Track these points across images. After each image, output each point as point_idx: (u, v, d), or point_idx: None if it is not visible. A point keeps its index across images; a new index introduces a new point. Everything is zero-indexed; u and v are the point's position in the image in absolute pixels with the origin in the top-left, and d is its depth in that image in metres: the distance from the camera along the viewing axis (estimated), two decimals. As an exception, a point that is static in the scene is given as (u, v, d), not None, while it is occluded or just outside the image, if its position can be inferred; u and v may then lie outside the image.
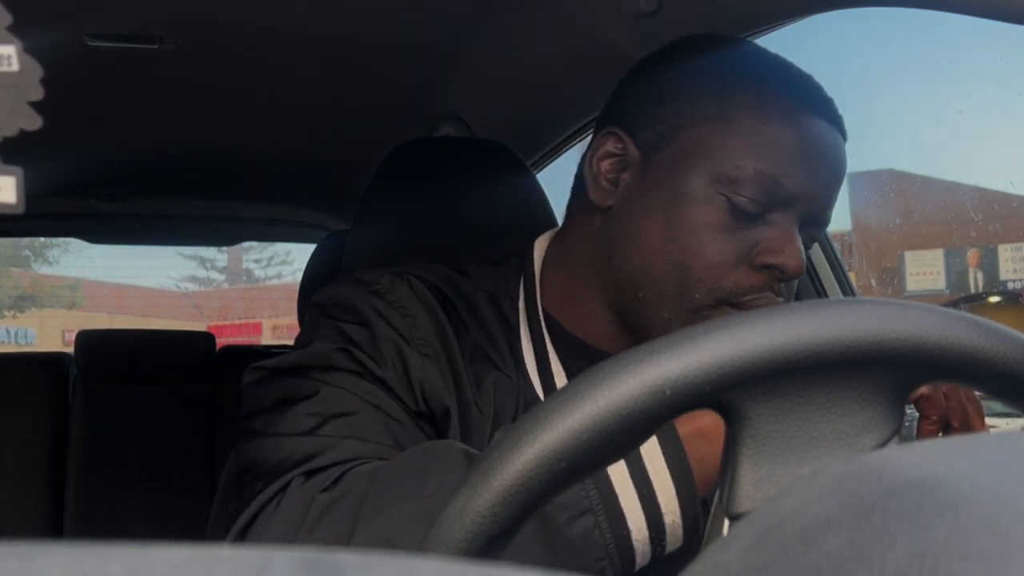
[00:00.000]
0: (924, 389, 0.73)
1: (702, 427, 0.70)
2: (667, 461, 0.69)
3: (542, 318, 0.92)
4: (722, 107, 0.86)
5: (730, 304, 0.84)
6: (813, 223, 0.87)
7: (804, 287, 1.42)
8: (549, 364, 0.89)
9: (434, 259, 1.01)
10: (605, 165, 0.90)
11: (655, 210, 0.85)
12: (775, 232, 0.84)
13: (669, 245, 0.84)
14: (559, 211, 1.12)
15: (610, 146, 0.90)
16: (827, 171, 0.86)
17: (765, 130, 0.85)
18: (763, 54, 0.92)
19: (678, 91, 0.88)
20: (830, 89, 0.92)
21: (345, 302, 0.88)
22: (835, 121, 0.88)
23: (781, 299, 0.84)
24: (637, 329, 0.88)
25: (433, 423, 0.84)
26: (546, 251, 0.96)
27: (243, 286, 22.62)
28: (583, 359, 0.90)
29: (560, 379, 0.89)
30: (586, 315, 0.91)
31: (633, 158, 0.89)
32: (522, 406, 0.87)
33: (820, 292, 1.42)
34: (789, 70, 0.90)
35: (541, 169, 1.88)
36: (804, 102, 0.87)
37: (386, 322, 0.85)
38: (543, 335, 0.91)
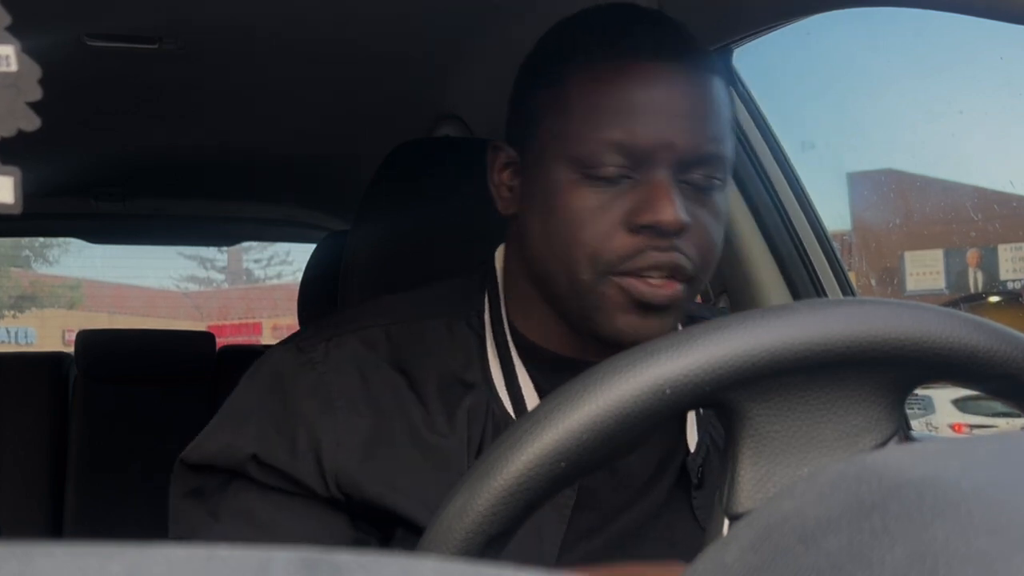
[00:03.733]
0: None
1: None
2: None
3: (507, 330, 0.90)
4: (557, 88, 0.85)
5: (616, 274, 0.81)
6: (697, 164, 0.82)
7: (804, 287, 1.42)
8: (516, 378, 0.88)
9: (434, 259, 1.01)
10: (504, 176, 0.90)
11: (535, 208, 0.86)
12: (644, 190, 0.80)
13: (552, 239, 0.84)
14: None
15: (502, 157, 0.90)
16: (680, 113, 0.81)
17: (598, 97, 0.83)
18: (597, 14, 0.88)
19: (527, 84, 0.89)
20: (830, 89, 0.91)
21: (275, 377, 0.87)
22: (679, 55, 0.83)
23: (671, 255, 0.80)
24: (576, 328, 0.87)
25: (348, 503, 0.83)
26: (504, 259, 0.95)
27: (243, 286, 22.61)
28: (550, 370, 0.88)
29: (528, 392, 0.87)
30: (541, 322, 0.90)
31: (516, 163, 0.89)
32: (490, 425, 0.85)
33: (820, 292, 1.42)
34: (618, 23, 0.86)
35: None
36: (632, 53, 0.83)
37: (308, 405, 0.84)
38: (509, 349, 0.89)
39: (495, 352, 0.89)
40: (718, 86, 0.84)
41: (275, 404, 0.85)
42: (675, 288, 0.81)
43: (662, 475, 0.88)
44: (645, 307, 0.81)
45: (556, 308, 0.87)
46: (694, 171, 0.82)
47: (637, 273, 0.80)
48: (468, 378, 0.87)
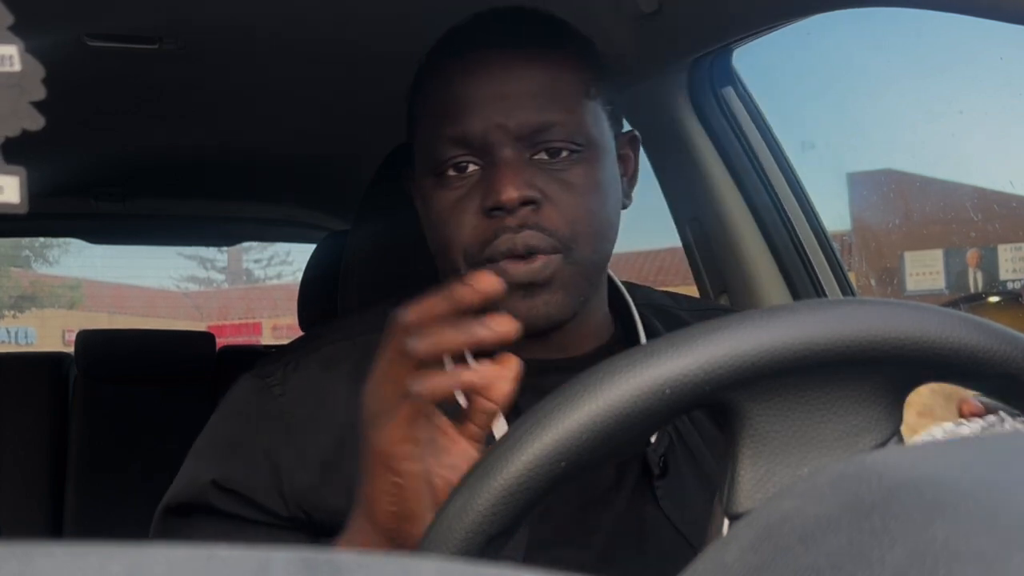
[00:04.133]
0: None
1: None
2: None
3: None
4: (414, 96, 0.89)
5: (480, 262, 0.82)
6: (539, 138, 0.83)
7: (804, 287, 1.42)
8: None
9: (433, 259, 1.01)
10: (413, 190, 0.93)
11: (420, 213, 0.90)
12: (488, 175, 0.82)
13: (433, 244, 0.87)
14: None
15: (406, 173, 0.94)
16: (506, 94, 0.83)
17: (435, 98, 0.86)
18: (468, 19, 0.91)
19: (411, 94, 0.92)
20: (830, 89, 0.91)
21: (235, 405, 0.88)
22: (509, 39, 0.86)
23: (523, 235, 0.81)
24: None
25: (310, 521, 0.83)
26: None
27: (243, 286, 22.61)
28: None
29: None
30: None
31: (411, 176, 0.93)
32: None
33: (820, 292, 1.42)
34: (470, 21, 0.90)
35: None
36: (464, 46, 0.87)
37: (265, 429, 0.85)
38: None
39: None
40: (561, 61, 0.85)
41: (233, 431, 0.87)
42: (540, 262, 0.81)
43: (624, 466, 0.88)
44: (521, 287, 0.82)
45: None
46: (540, 145, 0.83)
47: (501, 258, 0.82)
48: None
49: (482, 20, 0.89)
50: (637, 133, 0.95)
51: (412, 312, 0.64)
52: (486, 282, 0.64)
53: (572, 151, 0.83)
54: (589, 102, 0.86)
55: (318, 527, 0.83)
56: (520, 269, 0.81)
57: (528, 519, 0.81)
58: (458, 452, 0.68)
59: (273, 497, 0.83)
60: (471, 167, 0.84)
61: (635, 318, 0.94)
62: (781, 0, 1.17)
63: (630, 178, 0.94)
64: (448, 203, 0.84)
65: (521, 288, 0.82)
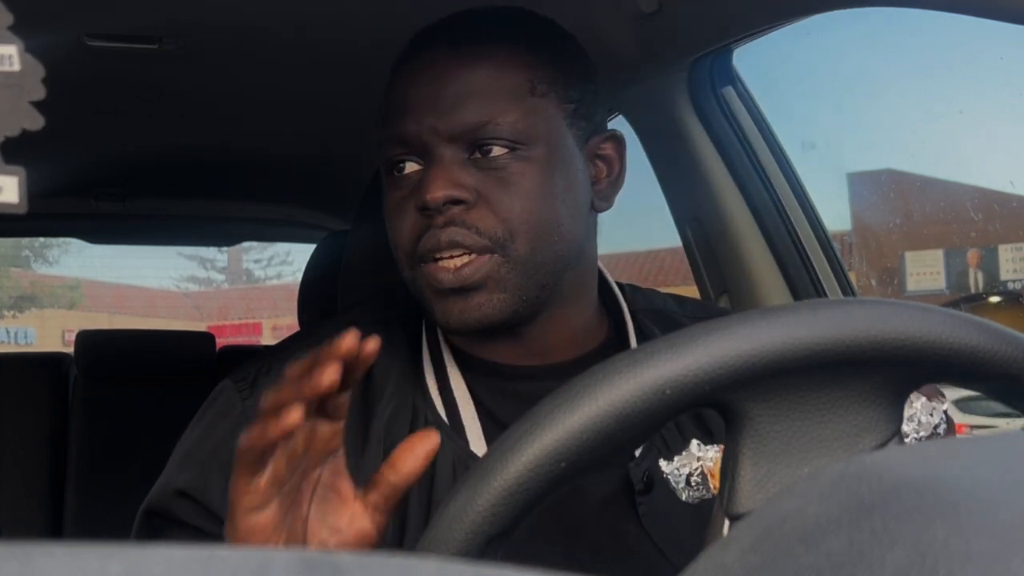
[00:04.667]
0: None
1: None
2: None
3: (440, 335, 0.90)
4: (381, 105, 0.90)
5: (422, 263, 0.83)
6: (475, 137, 0.83)
7: (804, 287, 1.42)
8: (449, 382, 0.88)
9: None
10: None
11: None
12: (422, 175, 0.83)
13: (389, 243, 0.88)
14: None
15: None
16: (440, 94, 0.83)
17: (386, 97, 0.88)
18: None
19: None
20: (830, 89, 0.91)
21: (209, 407, 0.88)
22: (449, 39, 0.86)
23: (448, 231, 0.81)
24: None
25: None
26: None
27: (243, 286, 22.61)
28: (483, 375, 0.89)
29: (460, 395, 0.87)
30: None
31: None
32: (421, 429, 0.84)
33: (820, 292, 1.42)
34: (427, 26, 0.90)
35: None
36: (413, 48, 0.88)
37: (231, 434, 0.80)
38: (441, 352, 0.89)
39: (428, 355, 0.90)
40: (502, 60, 0.85)
41: (198, 438, 0.86)
42: (470, 266, 0.81)
43: (605, 480, 0.87)
44: (455, 291, 0.82)
45: None
46: (475, 144, 0.83)
47: (430, 257, 0.82)
48: (396, 385, 0.88)
49: (441, 21, 0.90)
50: (619, 133, 0.92)
51: (266, 400, 0.61)
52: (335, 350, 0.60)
53: (512, 149, 0.83)
54: (535, 99, 0.85)
55: None
56: (448, 276, 0.81)
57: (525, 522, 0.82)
58: (345, 514, 0.65)
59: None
60: (414, 167, 0.84)
61: (627, 323, 0.92)
62: (781, 0, 1.17)
63: (613, 180, 0.91)
64: (393, 202, 0.86)
65: (452, 291, 0.82)
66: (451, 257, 0.82)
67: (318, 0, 1.34)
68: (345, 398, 0.64)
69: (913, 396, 0.63)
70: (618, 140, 0.92)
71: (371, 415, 0.86)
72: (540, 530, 0.84)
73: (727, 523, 0.51)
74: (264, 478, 0.62)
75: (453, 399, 0.87)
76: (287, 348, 0.92)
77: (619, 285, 0.97)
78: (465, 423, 0.86)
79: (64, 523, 2.37)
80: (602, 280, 0.94)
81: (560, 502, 0.85)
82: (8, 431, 2.37)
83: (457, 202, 0.81)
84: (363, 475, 0.82)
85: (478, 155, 0.83)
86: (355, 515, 0.65)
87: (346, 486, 0.66)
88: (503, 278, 0.82)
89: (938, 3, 0.97)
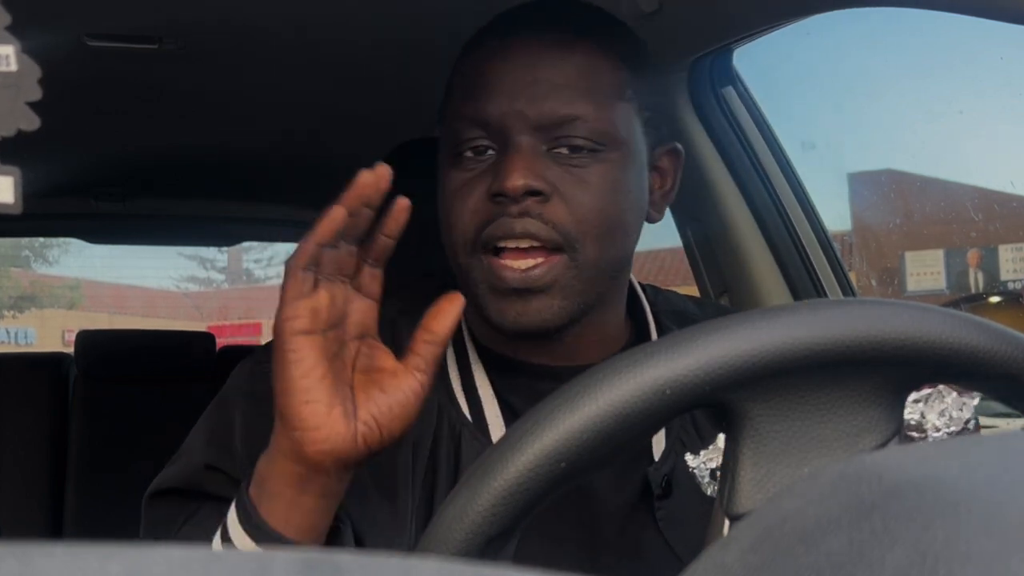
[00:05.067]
0: None
1: (258, 472, 0.70)
2: (247, 531, 0.69)
3: (465, 332, 0.89)
4: (451, 75, 0.88)
5: (483, 252, 0.81)
6: (558, 130, 0.81)
7: (804, 287, 1.42)
8: (473, 380, 0.87)
9: (433, 259, 1.01)
10: None
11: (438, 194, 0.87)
12: (500, 160, 0.81)
13: (442, 227, 0.85)
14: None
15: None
16: (531, 81, 0.82)
17: (461, 77, 0.85)
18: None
19: (450, 75, 0.90)
20: (830, 89, 0.90)
21: (229, 387, 0.88)
22: (544, 28, 0.84)
23: (522, 220, 0.79)
24: (487, 322, 0.86)
25: None
26: None
27: (243, 286, 22.60)
28: (508, 373, 0.88)
29: (485, 393, 0.86)
30: (480, 322, 0.88)
31: None
32: (445, 427, 0.85)
33: (820, 292, 1.42)
34: (514, 9, 0.88)
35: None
36: (498, 31, 0.86)
37: (255, 410, 0.83)
38: (465, 349, 0.88)
39: (453, 354, 0.89)
40: (599, 57, 0.83)
41: (224, 414, 0.86)
42: (541, 268, 0.80)
43: (624, 483, 0.86)
44: (517, 291, 0.80)
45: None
46: (559, 138, 0.81)
47: (495, 245, 0.80)
48: None
49: (528, 7, 0.87)
50: (679, 147, 0.91)
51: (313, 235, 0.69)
52: (369, 177, 0.68)
53: (593, 149, 0.81)
54: (621, 103, 0.84)
55: None
56: (514, 276, 0.79)
57: (523, 532, 0.81)
58: (390, 379, 0.68)
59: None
60: (488, 151, 0.82)
61: (650, 326, 0.92)
62: (781, 0, 1.17)
63: (665, 192, 0.90)
64: (457, 184, 0.83)
65: (516, 291, 0.80)
66: (518, 250, 0.80)
67: (318, 0, 1.34)
68: (378, 272, 0.71)
69: (944, 390, 0.64)
70: (677, 154, 0.91)
71: None
72: (559, 534, 0.84)
73: (727, 523, 0.51)
74: (311, 306, 0.66)
75: (477, 397, 0.86)
76: None
77: (641, 286, 0.96)
78: (489, 422, 0.85)
79: (64, 523, 2.37)
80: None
81: (579, 506, 0.85)
82: (8, 431, 2.37)
83: (535, 193, 0.79)
84: (387, 475, 0.82)
85: (557, 150, 0.81)
86: (399, 378, 0.69)
87: (385, 358, 0.70)
88: (567, 283, 0.81)
89: (938, 3, 0.97)
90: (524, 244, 0.80)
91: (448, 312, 0.69)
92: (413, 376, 0.68)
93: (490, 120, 0.81)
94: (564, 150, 0.81)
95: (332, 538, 0.73)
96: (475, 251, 0.81)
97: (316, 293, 0.67)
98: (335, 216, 0.68)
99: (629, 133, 0.84)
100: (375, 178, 0.69)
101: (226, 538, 0.70)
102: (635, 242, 0.88)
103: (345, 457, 0.67)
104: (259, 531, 0.68)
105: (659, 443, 0.87)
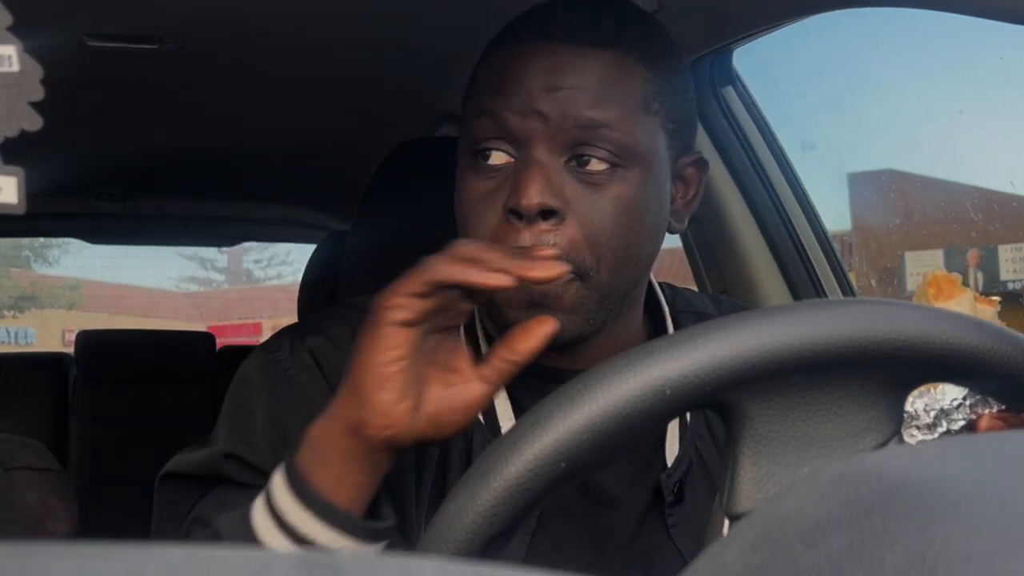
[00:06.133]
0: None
1: (309, 438, 0.70)
2: (295, 496, 0.69)
3: (480, 333, 0.88)
4: (474, 72, 0.86)
5: None
6: (578, 141, 0.78)
7: (804, 287, 1.42)
8: None
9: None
10: None
11: (455, 191, 0.85)
12: (515, 173, 0.78)
13: (459, 227, 0.83)
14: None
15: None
16: (555, 86, 0.78)
17: (484, 78, 0.83)
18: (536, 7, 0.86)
19: (473, 72, 0.88)
20: (830, 89, 0.90)
21: (243, 380, 0.87)
22: (574, 34, 0.80)
23: (532, 243, 0.76)
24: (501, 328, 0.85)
25: None
26: None
27: (243, 286, 22.60)
28: (523, 375, 0.87)
29: (499, 396, 0.85)
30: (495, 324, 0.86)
31: None
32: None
33: (820, 292, 1.42)
34: (537, 10, 0.85)
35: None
36: (524, 34, 0.82)
37: (273, 400, 0.84)
38: (480, 351, 0.87)
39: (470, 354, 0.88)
40: (628, 67, 0.80)
41: (243, 403, 0.86)
42: (553, 287, 0.77)
43: (636, 490, 0.86)
44: (529, 306, 0.78)
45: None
46: (579, 146, 0.78)
47: None
48: None
49: (559, 7, 0.84)
50: (704, 157, 0.89)
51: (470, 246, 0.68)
52: (549, 268, 0.67)
53: (613, 164, 0.78)
54: (647, 116, 0.81)
55: None
56: (521, 294, 0.77)
57: (534, 535, 0.81)
58: (462, 390, 0.69)
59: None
60: (504, 157, 0.79)
61: (668, 327, 0.90)
62: (781, 0, 1.17)
63: (688, 202, 0.88)
64: (476, 194, 0.80)
65: (527, 306, 0.78)
66: None
67: (318, 0, 1.34)
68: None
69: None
70: (702, 164, 0.88)
71: None
72: (570, 538, 0.84)
73: (727, 523, 0.51)
74: (421, 307, 0.67)
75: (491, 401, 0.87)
76: (321, 321, 0.90)
77: (659, 285, 0.95)
78: (502, 424, 0.85)
79: (64, 523, 2.37)
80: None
81: (591, 511, 0.85)
82: (8, 431, 2.37)
83: (550, 212, 0.77)
84: (394, 475, 0.82)
85: (575, 163, 0.78)
86: (468, 384, 0.69)
87: (461, 359, 0.70)
88: (578, 304, 0.79)
89: (938, 3, 0.97)
90: None
91: (535, 335, 0.68)
92: (480, 385, 0.69)
93: (509, 123, 0.79)
94: (578, 164, 0.79)
95: (373, 510, 0.73)
96: None
97: (427, 295, 0.67)
98: (499, 281, 0.66)
99: (651, 149, 0.81)
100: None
101: (271, 505, 0.70)
102: (654, 257, 0.86)
103: (400, 444, 0.68)
104: (309, 498, 0.68)
105: (672, 449, 0.86)
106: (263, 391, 0.85)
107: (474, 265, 0.66)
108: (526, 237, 0.76)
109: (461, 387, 0.69)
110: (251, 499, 0.77)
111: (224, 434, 0.85)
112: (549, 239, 0.77)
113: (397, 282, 0.68)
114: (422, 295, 0.67)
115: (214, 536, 0.74)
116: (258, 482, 0.81)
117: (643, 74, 0.81)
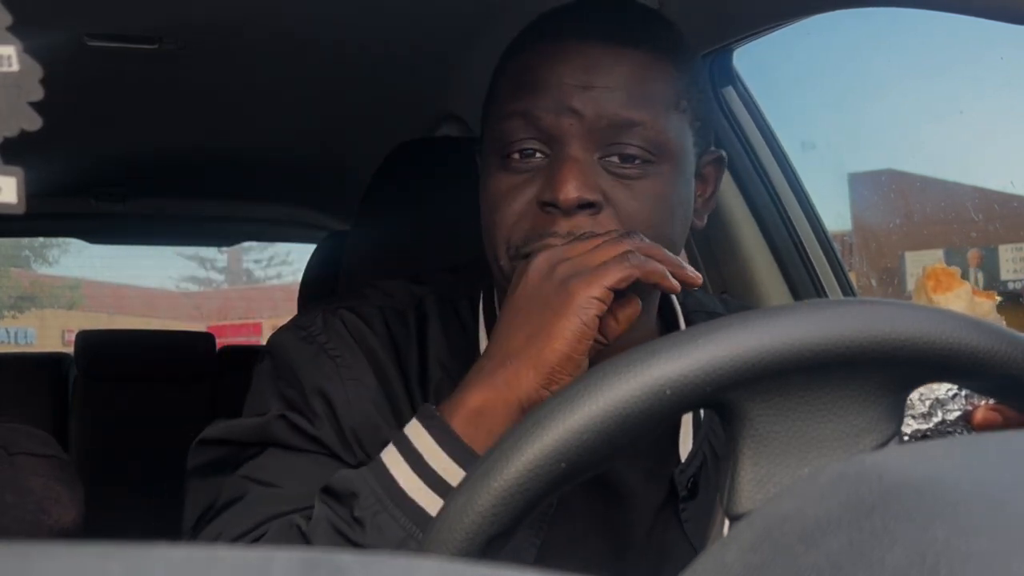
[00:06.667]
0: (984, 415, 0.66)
1: (471, 408, 0.72)
2: (443, 449, 0.71)
3: (481, 329, 0.89)
4: (495, 78, 0.87)
5: (519, 256, 0.79)
6: (613, 138, 0.79)
7: (804, 287, 1.42)
8: None
9: (434, 259, 1.01)
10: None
11: (480, 193, 0.86)
12: (551, 167, 0.79)
13: (482, 227, 0.84)
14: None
15: (477, 158, 0.91)
16: (589, 84, 0.79)
17: (514, 76, 0.83)
18: (562, 7, 0.87)
19: (495, 72, 0.89)
20: (830, 89, 0.90)
21: (280, 355, 0.88)
22: (607, 34, 0.82)
23: (565, 240, 0.77)
24: None
25: (368, 459, 0.82)
26: None
27: (243, 286, 22.61)
28: None
29: None
30: None
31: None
32: None
33: (820, 292, 1.42)
34: (566, 9, 0.86)
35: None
36: (555, 34, 0.83)
37: (315, 371, 0.84)
38: (479, 347, 0.88)
39: (487, 338, 0.88)
40: (657, 66, 0.82)
41: (286, 379, 0.86)
42: None
43: (650, 485, 0.86)
44: None
45: None
46: (613, 144, 0.79)
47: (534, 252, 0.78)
48: (453, 364, 0.87)
49: (583, 8, 0.85)
50: (723, 154, 0.90)
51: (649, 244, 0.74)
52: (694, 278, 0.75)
53: (646, 160, 0.79)
54: (676, 114, 0.82)
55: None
56: None
57: (549, 529, 0.82)
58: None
59: (334, 439, 0.82)
60: (537, 155, 0.80)
61: (680, 326, 0.91)
62: (781, 0, 1.17)
63: (707, 199, 0.89)
64: (505, 187, 0.81)
65: None
66: None
67: (318, 0, 1.34)
68: None
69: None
70: (721, 161, 0.90)
71: (425, 395, 0.86)
72: (585, 533, 0.84)
73: (727, 523, 0.51)
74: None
75: None
76: (352, 300, 0.91)
77: None
78: None
79: (64, 523, 2.37)
80: None
81: (606, 506, 0.85)
82: (8, 431, 2.37)
83: (588, 205, 0.77)
84: None
85: (609, 159, 0.79)
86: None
87: (600, 329, 0.74)
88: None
89: (938, 3, 0.97)
90: None
91: (625, 314, 0.75)
92: (593, 347, 0.73)
93: (543, 122, 0.79)
94: (616, 159, 0.80)
95: None
96: (517, 256, 0.80)
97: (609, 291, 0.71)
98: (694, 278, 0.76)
99: (681, 145, 0.82)
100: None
101: (417, 463, 0.71)
102: (678, 253, 0.87)
103: None
104: (470, 459, 0.70)
105: (686, 445, 0.87)
106: (305, 361, 0.85)
107: (667, 264, 0.73)
108: (563, 226, 0.78)
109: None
110: (307, 462, 0.80)
111: (274, 401, 0.85)
112: (587, 226, 0.78)
113: (596, 274, 0.71)
114: (620, 284, 0.71)
115: (312, 503, 0.74)
116: (310, 448, 0.82)
117: (671, 73, 0.82)
